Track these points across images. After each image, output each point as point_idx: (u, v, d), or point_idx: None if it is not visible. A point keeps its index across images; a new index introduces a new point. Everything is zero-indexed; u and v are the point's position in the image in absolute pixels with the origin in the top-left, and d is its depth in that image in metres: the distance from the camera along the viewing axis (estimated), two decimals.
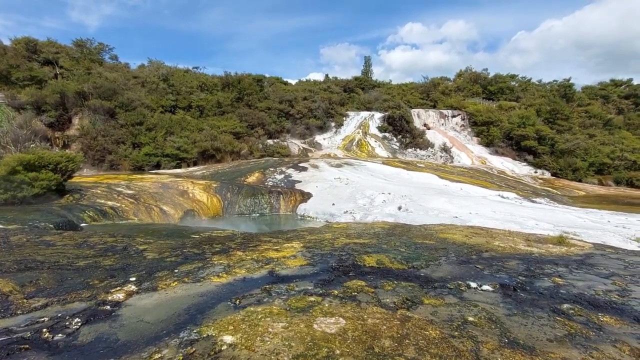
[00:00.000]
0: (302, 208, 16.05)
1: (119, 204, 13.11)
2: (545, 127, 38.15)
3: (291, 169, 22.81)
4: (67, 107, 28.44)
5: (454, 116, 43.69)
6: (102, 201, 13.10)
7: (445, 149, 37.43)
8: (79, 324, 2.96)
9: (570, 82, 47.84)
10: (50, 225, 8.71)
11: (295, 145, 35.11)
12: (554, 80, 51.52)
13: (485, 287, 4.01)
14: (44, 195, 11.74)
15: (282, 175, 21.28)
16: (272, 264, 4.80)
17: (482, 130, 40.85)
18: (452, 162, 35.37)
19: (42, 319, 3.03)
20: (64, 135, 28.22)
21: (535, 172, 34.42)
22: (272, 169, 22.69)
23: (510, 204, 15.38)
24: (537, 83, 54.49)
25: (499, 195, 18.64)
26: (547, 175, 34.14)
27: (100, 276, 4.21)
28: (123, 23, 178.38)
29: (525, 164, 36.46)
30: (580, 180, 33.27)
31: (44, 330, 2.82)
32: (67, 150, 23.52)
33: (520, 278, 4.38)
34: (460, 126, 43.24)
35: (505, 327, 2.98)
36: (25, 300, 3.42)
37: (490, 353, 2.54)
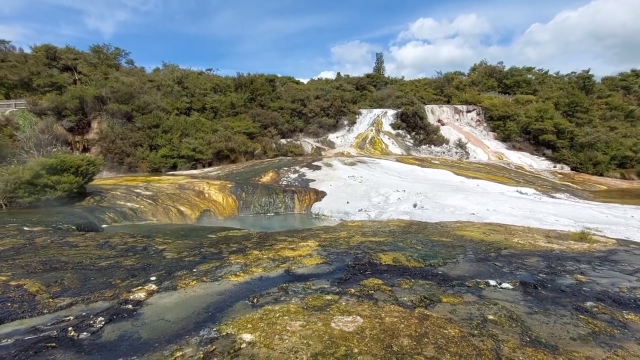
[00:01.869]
0: (317, 207, 16.08)
1: (138, 205, 13.42)
2: (564, 120, 37.09)
3: (305, 168, 22.87)
4: (86, 111, 29.25)
5: (469, 111, 42.94)
6: (122, 203, 13.43)
7: (460, 145, 36.83)
8: (103, 322, 3.05)
9: (589, 73, 46.34)
10: (73, 227, 8.98)
11: (308, 144, 35.17)
12: (572, 72, 50.07)
13: (504, 284, 3.93)
14: (66, 197, 12.12)
15: (296, 175, 21.36)
16: (288, 263, 4.82)
17: (499, 124, 40.03)
18: (467, 158, 34.79)
19: (68, 318, 3.13)
20: (83, 139, 29.08)
21: (554, 167, 33.52)
22: (285, 169, 22.80)
23: (529, 200, 15.02)
24: (554, 75, 53.03)
25: (517, 191, 18.23)
26: (567, 169, 33.20)
27: (121, 276, 4.32)
28: (137, 28, 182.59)
29: (543, 158, 35.55)
30: (601, 175, 32.23)
31: (70, 328, 2.91)
32: (87, 154, 24.19)
33: (541, 275, 4.28)
34: (476, 121, 42.46)
35: (527, 326, 2.92)
36: (51, 300, 3.53)
37: (511, 352, 2.49)
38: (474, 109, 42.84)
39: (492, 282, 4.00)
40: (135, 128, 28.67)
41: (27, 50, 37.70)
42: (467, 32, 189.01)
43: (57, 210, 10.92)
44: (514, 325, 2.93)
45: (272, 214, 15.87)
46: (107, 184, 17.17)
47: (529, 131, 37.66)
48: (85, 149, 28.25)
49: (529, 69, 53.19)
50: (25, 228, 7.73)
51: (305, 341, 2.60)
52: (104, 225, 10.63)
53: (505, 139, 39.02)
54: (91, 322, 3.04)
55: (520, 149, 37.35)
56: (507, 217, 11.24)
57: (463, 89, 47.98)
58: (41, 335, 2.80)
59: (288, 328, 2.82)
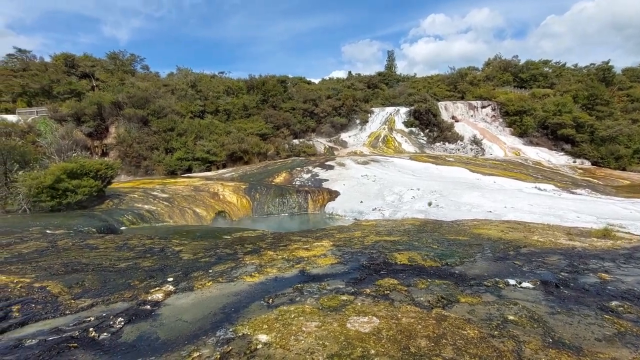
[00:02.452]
0: (330, 206, 16.06)
1: (155, 208, 13.68)
2: (584, 113, 35.95)
3: (318, 168, 22.88)
4: (104, 117, 30.02)
5: (483, 107, 42.12)
6: (140, 205, 13.71)
7: (475, 142, 36.17)
8: (122, 323, 3.11)
9: (609, 64, 44.74)
10: (93, 229, 9.23)
11: (320, 144, 35.17)
12: (591, 64, 48.42)
13: (525, 284, 3.83)
14: (86, 201, 12.45)
15: (309, 175, 21.38)
16: (303, 263, 4.82)
17: (515, 120, 39.10)
18: (483, 154, 34.14)
19: (89, 319, 3.20)
20: (102, 144, 29.84)
21: (574, 162, 32.57)
22: (299, 169, 22.86)
23: (548, 197, 14.63)
24: (572, 68, 51.42)
25: (536, 187, 17.78)
26: (587, 164, 32.19)
27: (140, 277, 4.40)
28: (151, 34, 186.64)
29: (562, 153, 34.57)
30: (624, 169, 31.13)
31: (91, 329, 2.98)
32: (105, 158, 24.84)
33: (563, 274, 4.15)
34: (491, 117, 41.62)
35: (549, 326, 2.83)
36: (72, 301, 3.63)
37: (533, 353, 2.42)
38: (489, 105, 42.00)
39: (512, 282, 3.90)
40: (151, 132, 29.25)
41: (47, 59, 39.00)
42: (480, 26, 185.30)
43: (78, 214, 11.24)
44: (535, 325, 2.85)
45: (286, 214, 15.93)
46: (125, 187, 17.57)
47: (546, 126, 36.67)
48: (104, 154, 28.98)
49: (546, 62, 51.74)
50: (48, 231, 7.98)
51: (321, 342, 2.58)
52: (122, 228, 10.87)
53: (522, 134, 38.09)
54: (111, 322, 3.11)
55: (537, 144, 36.42)
56: (525, 214, 10.98)
57: (477, 84, 47.06)
58: (63, 335, 2.87)
59: (303, 329, 2.81)
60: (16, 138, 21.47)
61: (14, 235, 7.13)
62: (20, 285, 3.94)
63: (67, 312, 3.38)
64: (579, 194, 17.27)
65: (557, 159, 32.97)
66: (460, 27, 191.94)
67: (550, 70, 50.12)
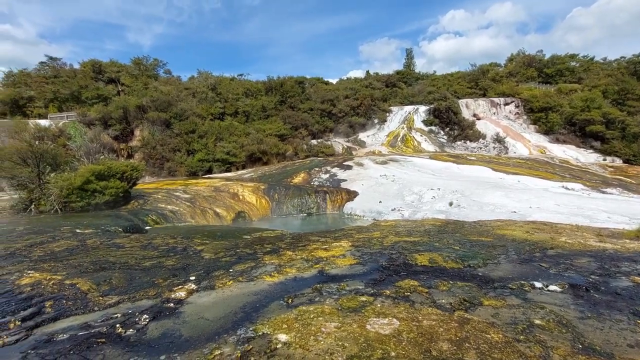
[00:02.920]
0: (349, 207, 16.00)
1: (177, 208, 14.03)
2: (614, 109, 34.31)
3: (336, 168, 22.85)
4: (129, 120, 31.07)
5: (506, 104, 40.91)
6: (163, 205, 14.10)
7: (498, 140, 35.17)
8: (147, 320, 3.20)
9: None
10: (120, 229, 9.55)
11: (338, 144, 35.11)
12: (621, 57, 46.03)
13: (552, 287, 3.69)
14: (113, 201, 12.91)
15: (327, 175, 21.39)
16: (322, 264, 4.82)
17: (540, 117, 37.73)
18: (506, 153, 33.16)
19: (116, 315, 3.32)
20: (127, 147, 30.89)
21: (604, 160, 31.13)
22: (317, 169, 22.90)
23: (577, 196, 14.06)
24: (601, 61, 49.07)
25: (563, 186, 17.12)
26: (618, 162, 30.69)
27: (163, 275, 4.53)
28: (173, 40, 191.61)
29: (591, 151, 33.11)
30: None
31: (118, 325, 3.08)
32: (131, 160, 25.67)
33: (593, 277, 3.97)
34: (515, 114, 40.37)
35: (578, 332, 2.72)
36: (100, 298, 3.77)
37: (562, 359, 2.33)
38: (512, 101, 40.75)
39: (538, 285, 3.76)
40: (174, 134, 30.05)
41: (76, 66, 40.72)
42: (502, 21, 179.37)
43: (105, 214, 11.67)
44: (564, 330, 2.74)
45: (305, 214, 15.99)
46: (149, 188, 18.11)
47: (574, 122, 35.22)
48: (130, 156, 29.98)
49: (572, 56, 49.63)
50: (78, 230, 8.32)
51: (340, 343, 2.58)
52: (147, 227, 11.19)
53: (547, 131, 36.74)
54: (136, 319, 3.21)
55: (564, 142, 35.03)
56: (552, 214, 10.59)
57: (500, 80, 45.73)
58: (92, 331, 2.99)
59: (323, 329, 2.81)
60: (48, 142, 22.55)
61: (47, 235, 7.48)
62: (52, 282, 4.13)
63: (95, 308, 3.51)
64: (610, 194, 16.50)
65: (585, 157, 31.62)
66: (481, 23, 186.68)
67: (577, 65, 48.09)
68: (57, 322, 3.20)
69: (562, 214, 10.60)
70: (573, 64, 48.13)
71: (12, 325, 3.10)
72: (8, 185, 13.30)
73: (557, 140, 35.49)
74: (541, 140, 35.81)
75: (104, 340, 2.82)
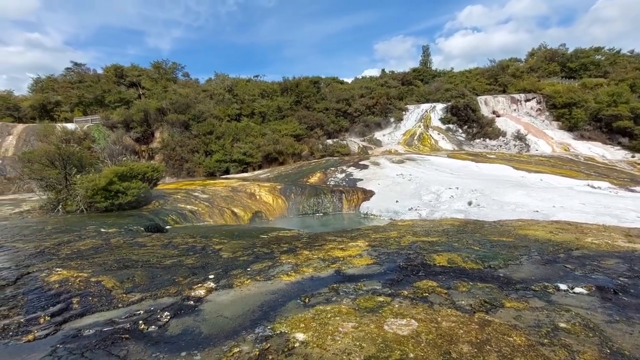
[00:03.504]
0: (365, 206, 15.92)
1: (196, 208, 14.31)
2: None
3: (352, 168, 22.77)
4: (150, 122, 31.94)
5: (527, 100, 39.76)
6: (182, 205, 14.41)
7: (519, 137, 34.22)
8: (168, 317, 3.28)
9: None
10: (142, 228, 9.81)
11: (354, 143, 34.98)
12: None
13: (577, 289, 3.56)
14: (135, 202, 13.28)
15: (343, 174, 21.34)
16: (339, 263, 4.82)
17: (563, 113, 36.46)
18: (528, 150, 32.23)
19: (138, 312, 3.42)
20: (148, 148, 31.77)
21: (633, 157, 29.81)
22: (333, 169, 22.89)
23: (603, 195, 13.52)
24: (628, 54, 47.02)
25: (588, 185, 16.51)
26: None
27: (183, 274, 4.63)
28: (191, 43, 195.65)
29: (618, 148, 31.77)
30: None
31: (140, 322, 3.17)
32: (152, 161, 26.36)
33: (622, 279, 3.81)
34: (536, 110, 39.18)
35: (606, 336, 2.62)
36: (124, 295, 3.89)
37: None
38: (533, 98, 39.57)
39: (563, 287, 3.64)
40: (192, 136, 30.68)
41: (100, 71, 42.17)
42: (522, 15, 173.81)
43: (128, 214, 12.02)
44: (590, 334, 2.64)
45: (321, 214, 16.01)
46: (169, 188, 18.54)
47: (599, 118, 33.88)
48: (150, 157, 30.83)
49: (597, 49, 47.71)
50: (102, 230, 8.60)
51: (358, 343, 2.57)
52: (167, 227, 11.46)
53: (571, 128, 35.48)
54: (158, 316, 3.30)
55: (590, 139, 33.75)
56: (577, 214, 10.23)
57: (520, 76, 44.47)
58: (116, 327, 3.09)
59: (340, 329, 2.81)
60: (74, 144, 23.43)
61: (74, 234, 7.77)
62: (79, 279, 4.29)
63: (119, 305, 3.63)
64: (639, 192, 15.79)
65: (612, 154, 30.37)
66: (500, 18, 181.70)
67: (602, 58, 46.23)
68: (83, 318, 3.32)
69: (588, 214, 10.22)
70: (598, 57, 46.31)
71: (42, 320, 3.24)
72: (37, 187, 13.88)
73: (582, 137, 34.24)
74: (565, 137, 34.64)
75: (127, 336, 2.91)
